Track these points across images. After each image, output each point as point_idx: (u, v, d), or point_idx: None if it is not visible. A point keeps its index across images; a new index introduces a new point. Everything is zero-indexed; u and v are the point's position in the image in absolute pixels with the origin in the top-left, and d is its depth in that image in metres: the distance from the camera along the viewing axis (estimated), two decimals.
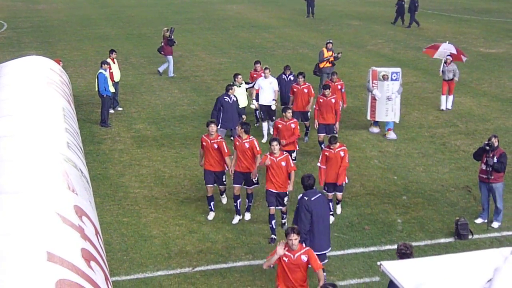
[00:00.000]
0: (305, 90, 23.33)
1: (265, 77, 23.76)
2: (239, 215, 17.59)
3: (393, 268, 9.55)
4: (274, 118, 23.26)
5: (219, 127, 20.89)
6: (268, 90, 23.61)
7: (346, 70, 34.08)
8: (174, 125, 25.17)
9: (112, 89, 25.46)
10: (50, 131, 10.01)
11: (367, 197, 18.82)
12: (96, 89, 25.29)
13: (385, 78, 23.60)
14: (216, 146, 17.33)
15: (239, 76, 24.11)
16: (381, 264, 9.70)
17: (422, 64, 35.65)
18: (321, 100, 21.75)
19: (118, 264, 15.21)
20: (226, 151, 17.37)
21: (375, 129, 24.41)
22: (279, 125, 19.54)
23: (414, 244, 16.12)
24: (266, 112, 23.82)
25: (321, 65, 28.43)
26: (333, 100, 21.69)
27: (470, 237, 16.40)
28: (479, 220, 17.19)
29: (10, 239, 6.29)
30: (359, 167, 20.99)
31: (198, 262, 15.41)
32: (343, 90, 24.52)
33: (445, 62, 26.88)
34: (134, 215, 17.74)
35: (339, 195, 17.66)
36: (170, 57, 33.44)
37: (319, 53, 29.02)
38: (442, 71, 27.00)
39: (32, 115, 10.31)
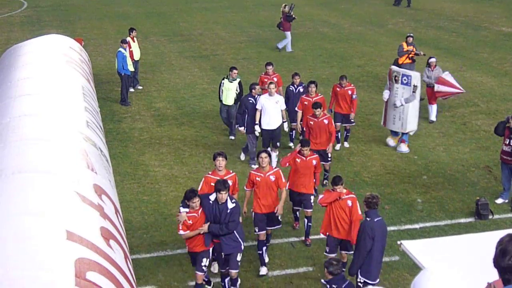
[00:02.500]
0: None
1: (270, 94, 18.81)
2: (265, 265, 14.27)
3: (413, 247, 9.52)
4: (279, 144, 19.14)
5: (244, 131, 19.41)
6: (273, 111, 18.79)
7: (367, 49, 33.89)
8: (194, 104, 25.16)
9: (131, 68, 25.45)
10: (69, 110, 10.04)
11: (387, 176, 18.75)
12: (116, 67, 25.32)
13: (396, 79, 20.27)
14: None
15: (234, 71, 21.60)
16: (401, 243, 9.67)
17: (443, 43, 35.36)
18: (311, 122, 17.68)
19: (139, 242, 15.27)
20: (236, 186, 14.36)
21: (391, 142, 20.87)
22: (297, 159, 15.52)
23: (434, 224, 16.14)
24: (269, 139, 19.04)
25: (400, 61, 25.26)
26: (325, 121, 17.63)
27: (490, 217, 16.32)
28: (499, 200, 17.09)
29: (30, 219, 6.32)
30: (379, 146, 20.90)
31: None
32: (354, 96, 20.70)
33: (429, 66, 22.99)
34: (154, 194, 17.78)
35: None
36: (288, 33, 33.73)
37: (398, 47, 26.14)
38: (428, 76, 22.83)
39: (52, 94, 10.34)
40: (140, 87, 27.21)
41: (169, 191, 17.89)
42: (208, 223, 12.61)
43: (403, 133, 20.39)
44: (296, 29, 39.34)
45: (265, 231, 14.31)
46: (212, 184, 13.17)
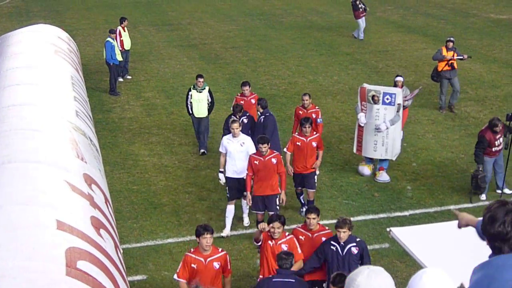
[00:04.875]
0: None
1: (234, 135, 15.36)
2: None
3: (402, 234, 9.56)
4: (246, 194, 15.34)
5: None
6: (238, 156, 15.34)
7: (354, 40, 33.86)
8: (183, 93, 25.08)
9: (119, 58, 25.40)
10: (58, 100, 10.02)
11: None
12: (104, 57, 25.27)
13: (375, 100, 17.34)
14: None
15: (200, 79, 19.30)
16: (390, 230, 9.72)
17: (432, 31, 35.39)
18: (298, 143, 15.78)
19: (129, 232, 15.28)
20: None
21: (366, 170, 18.17)
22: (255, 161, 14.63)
23: (423, 211, 16.21)
24: (237, 190, 15.49)
25: (440, 68, 22.69)
26: (314, 144, 15.79)
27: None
28: (483, 197, 16.99)
29: (20, 208, 6.31)
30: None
31: None
32: (319, 120, 17.87)
33: (395, 86, 18.98)
34: (144, 183, 17.78)
35: None
36: (359, 21, 33.36)
37: (437, 52, 23.19)
38: (407, 98, 19.13)
39: (41, 84, 10.31)
40: (129, 77, 27.17)
41: (158, 181, 17.90)
42: None
43: (381, 160, 17.91)
44: (284, 17, 39.39)
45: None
46: (194, 266, 10.99)
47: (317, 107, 18.30)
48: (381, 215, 15.98)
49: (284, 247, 11.54)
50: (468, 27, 36.29)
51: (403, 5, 43.11)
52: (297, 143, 15.71)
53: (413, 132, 21.03)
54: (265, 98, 18.33)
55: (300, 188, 16.21)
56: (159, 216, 16.07)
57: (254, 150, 15.02)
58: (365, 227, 15.42)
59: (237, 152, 15.32)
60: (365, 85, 18.01)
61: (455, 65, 22.66)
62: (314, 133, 15.99)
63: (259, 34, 35.02)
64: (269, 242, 11.71)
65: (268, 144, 14.38)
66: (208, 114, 19.61)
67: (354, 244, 11.21)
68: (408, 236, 9.45)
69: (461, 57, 22.84)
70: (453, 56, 22.56)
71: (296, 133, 16.15)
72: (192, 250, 11.30)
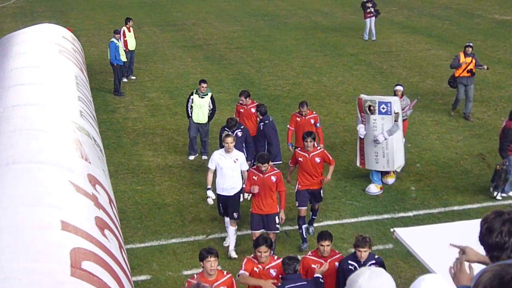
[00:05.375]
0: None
1: (227, 150, 14.41)
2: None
3: (406, 234, 9.54)
4: (236, 215, 14.52)
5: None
6: (230, 173, 14.47)
7: (360, 38, 33.85)
8: (187, 93, 25.00)
9: (123, 58, 25.42)
10: (63, 100, 10.02)
11: None
12: (108, 58, 25.31)
13: (371, 110, 16.68)
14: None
15: (203, 84, 18.88)
16: (394, 230, 9.70)
17: (436, 31, 35.38)
18: (300, 158, 14.94)
19: (133, 232, 15.30)
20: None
21: (373, 188, 17.26)
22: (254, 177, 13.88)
23: (427, 211, 16.20)
24: (227, 207, 14.67)
25: (457, 74, 22.04)
26: (317, 160, 14.83)
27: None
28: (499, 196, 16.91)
29: (25, 209, 6.32)
30: None
31: (212, 230, 15.47)
32: (318, 124, 17.42)
33: (395, 95, 18.19)
34: (148, 183, 17.80)
35: None
36: (366, 21, 33.53)
37: (454, 59, 22.41)
38: (405, 110, 18.14)
39: (45, 84, 10.31)
40: (133, 77, 27.20)
41: (163, 181, 17.92)
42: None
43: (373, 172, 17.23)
44: (289, 18, 39.39)
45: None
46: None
47: (314, 113, 17.77)
48: (385, 216, 15.97)
49: (273, 272, 10.98)
50: (472, 28, 36.26)
51: (408, 5, 43.09)
52: (299, 158, 14.83)
53: (417, 133, 21.01)
54: (264, 104, 17.89)
55: (304, 208, 14.88)
56: (163, 216, 16.08)
57: (247, 167, 14.60)
58: (369, 227, 15.41)
59: (230, 169, 14.41)
60: (362, 95, 17.43)
61: (474, 71, 21.88)
62: (318, 148, 15.09)
63: (264, 35, 35.03)
64: (255, 268, 11.00)
65: (268, 163, 13.69)
66: (209, 121, 19.10)
67: (374, 261, 10.80)
68: (412, 237, 9.41)
69: (481, 67, 22.32)
70: (470, 61, 21.79)
71: (298, 148, 15.36)
72: (195, 276, 10.55)
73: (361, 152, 17.27)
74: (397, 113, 16.74)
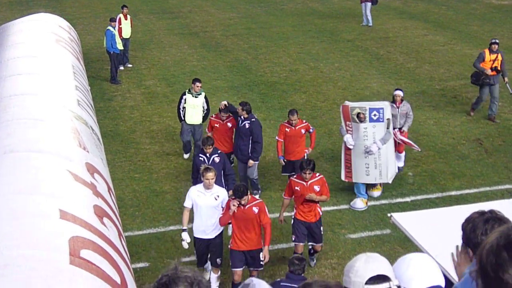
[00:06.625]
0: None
1: (208, 187, 12.28)
2: None
3: (404, 219, 9.57)
4: (220, 261, 12.67)
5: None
6: (209, 212, 12.37)
7: (356, 24, 33.84)
8: (184, 81, 25.11)
9: (120, 46, 25.38)
10: (60, 89, 10.04)
11: None
12: (105, 46, 25.28)
13: (361, 118, 15.12)
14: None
15: (198, 83, 17.64)
16: (391, 216, 9.73)
17: (433, 17, 35.35)
18: (297, 188, 13.10)
19: (131, 220, 15.32)
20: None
21: (359, 203, 15.81)
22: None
23: (425, 196, 16.23)
24: (206, 253, 12.84)
25: (486, 66, 20.35)
26: (316, 188, 13.00)
27: None
28: None
29: (23, 198, 6.34)
30: None
31: None
32: (311, 129, 15.90)
33: (393, 101, 16.82)
34: (146, 171, 17.82)
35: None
36: (362, 4, 33.64)
37: (478, 57, 20.79)
38: (392, 114, 16.01)
39: (42, 73, 10.33)
40: (130, 65, 27.17)
41: (160, 168, 17.93)
42: None
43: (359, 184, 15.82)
44: (285, 4, 39.33)
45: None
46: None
47: (304, 121, 16.12)
48: (383, 201, 16.00)
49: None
50: (469, 13, 36.24)
51: None
52: (296, 188, 13.00)
53: (415, 118, 20.92)
54: (248, 102, 16.33)
55: (301, 244, 13.25)
56: (161, 203, 16.11)
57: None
58: (366, 213, 15.45)
59: (209, 208, 12.31)
60: (347, 102, 15.79)
61: (499, 69, 20.32)
62: (317, 174, 13.13)
63: (260, 22, 34.98)
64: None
65: (247, 195, 11.78)
66: (203, 122, 17.87)
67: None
68: (410, 222, 9.45)
69: (502, 73, 20.47)
70: (495, 59, 20.24)
71: (294, 176, 13.29)
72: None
73: (347, 164, 15.70)
74: (389, 119, 15.39)
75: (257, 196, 14.92)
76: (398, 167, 16.79)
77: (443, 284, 5.06)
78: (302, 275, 10.29)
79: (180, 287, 3.02)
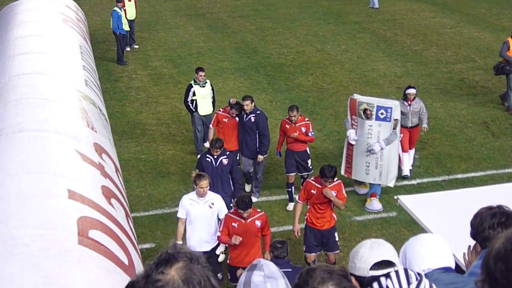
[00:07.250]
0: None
1: (201, 195, 11.32)
2: None
3: (410, 202, 9.59)
4: (220, 275, 11.64)
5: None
6: (203, 222, 11.47)
7: (364, 6, 33.70)
8: (190, 62, 25.08)
9: (126, 27, 25.33)
10: (68, 69, 10.04)
11: None
12: (111, 27, 25.24)
13: (368, 114, 14.35)
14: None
15: (201, 73, 16.80)
16: (398, 198, 9.74)
17: None
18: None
19: (137, 201, 15.34)
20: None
21: (362, 189, 15.66)
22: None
23: (431, 179, 16.22)
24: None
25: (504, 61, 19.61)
26: (258, 223, 11.28)
27: None
28: None
29: (32, 177, 6.36)
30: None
31: None
32: (310, 133, 14.83)
33: (405, 99, 16.02)
34: (152, 152, 17.82)
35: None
36: None
37: (503, 45, 19.77)
38: (403, 113, 15.48)
39: (50, 53, 10.32)
40: (136, 46, 27.13)
41: (166, 150, 17.94)
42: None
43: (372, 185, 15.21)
44: None
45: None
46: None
47: (306, 119, 15.18)
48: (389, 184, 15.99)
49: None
50: None
51: None
52: (312, 190, 12.19)
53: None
54: (252, 96, 15.74)
55: (313, 255, 12.61)
56: (167, 185, 16.13)
57: (226, 211, 11.46)
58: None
59: (203, 218, 11.39)
60: (356, 96, 14.92)
61: None
62: (335, 179, 12.15)
63: (267, 3, 34.85)
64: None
65: (250, 208, 10.95)
66: (213, 110, 17.07)
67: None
68: (416, 204, 9.47)
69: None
70: None
71: (312, 178, 12.49)
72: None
73: (348, 159, 15.06)
74: (397, 119, 14.52)
75: (255, 198, 14.85)
76: (405, 175, 16.28)
77: (453, 266, 5.09)
78: (286, 258, 9.93)
79: (180, 262, 3.07)
